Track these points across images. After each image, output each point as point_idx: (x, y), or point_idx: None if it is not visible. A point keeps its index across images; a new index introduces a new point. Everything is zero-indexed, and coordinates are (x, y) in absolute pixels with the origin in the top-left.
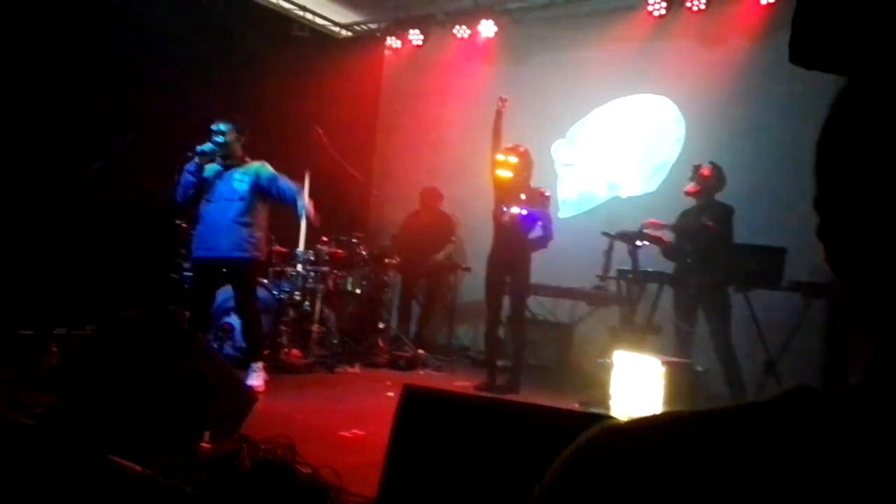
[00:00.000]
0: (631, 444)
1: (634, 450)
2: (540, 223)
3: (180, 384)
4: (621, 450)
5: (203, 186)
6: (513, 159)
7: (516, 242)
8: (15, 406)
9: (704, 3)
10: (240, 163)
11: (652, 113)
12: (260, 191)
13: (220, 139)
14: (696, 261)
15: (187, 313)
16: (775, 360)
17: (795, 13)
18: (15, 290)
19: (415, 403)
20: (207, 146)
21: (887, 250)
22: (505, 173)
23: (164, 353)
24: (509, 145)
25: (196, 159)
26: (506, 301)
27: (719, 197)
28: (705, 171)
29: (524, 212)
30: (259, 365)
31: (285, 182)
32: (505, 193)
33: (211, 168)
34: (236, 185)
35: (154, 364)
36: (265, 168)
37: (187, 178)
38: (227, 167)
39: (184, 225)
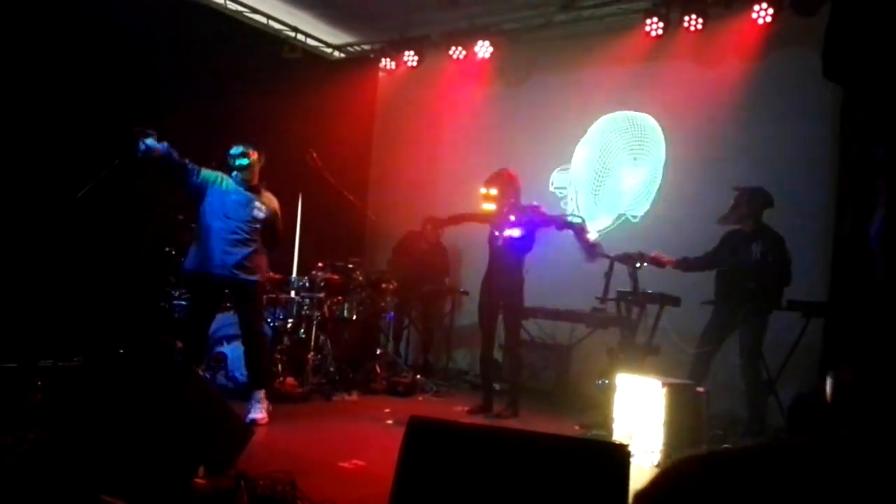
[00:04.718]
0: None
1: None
2: (544, 227)
3: (172, 418)
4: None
5: (217, 199)
6: (493, 191)
7: (510, 266)
8: None
9: (701, 23)
10: (258, 189)
11: (647, 133)
12: (270, 226)
13: (245, 161)
14: (754, 291)
15: (178, 343)
16: (775, 378)
17: (828, 30)
18: None
19: (421, 435)
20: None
21: None
22: (489, 206)
23: (156, 385)
24: (493, 173)
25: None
26: (501, 325)
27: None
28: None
29: (515, 233)
30: (262, 394)
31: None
32: (495, 219)
33: (227, 183)
34: (256, 212)
35: (145, 397)
36: (277, 209)
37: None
38: (246, 189)
39: (173, 252)
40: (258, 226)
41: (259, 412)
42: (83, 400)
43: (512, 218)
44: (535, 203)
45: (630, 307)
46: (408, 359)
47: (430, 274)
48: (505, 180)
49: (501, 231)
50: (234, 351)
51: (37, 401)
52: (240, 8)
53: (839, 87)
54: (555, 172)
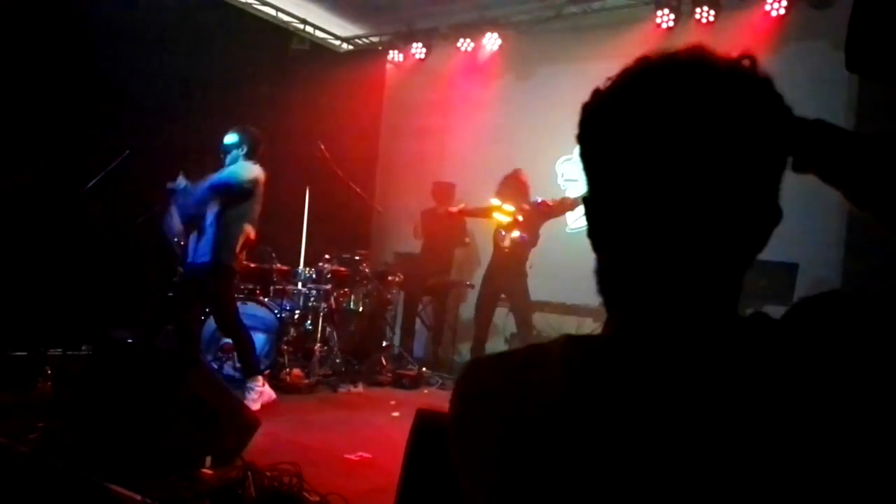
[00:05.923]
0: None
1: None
2: (549, 219)
3: (180, 408)
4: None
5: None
6: (509, 207)
7: (514, 266)
8: (7, 432)
9: (713, 15)
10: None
11: None
12: (215, 189)
13: (224, 143)
14: None
15: None
16: None
17: (851, 22)
18: (7, 309)
19: (428, 429)
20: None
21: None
22: (503, 218)
23: (164, 376)
24: (503, 180)
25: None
26: (502, 319)
27: None
28: None
29: (525, 235)
30: (252, 382)
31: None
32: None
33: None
34: (199, 190)
35: (153, 388)
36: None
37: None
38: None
39: (181, 243)
40: (214, 208)
41: (254, 404)
42: (91, 389)
43: (520, 218)
44: (539, 199)
45: None
46: (414, 351)
47: (456, 234)
48: (517, 188)
49: (509, 231)
50: None
51: (46, 389)
52: None
53: (857, 80)
54: (560, 162)
